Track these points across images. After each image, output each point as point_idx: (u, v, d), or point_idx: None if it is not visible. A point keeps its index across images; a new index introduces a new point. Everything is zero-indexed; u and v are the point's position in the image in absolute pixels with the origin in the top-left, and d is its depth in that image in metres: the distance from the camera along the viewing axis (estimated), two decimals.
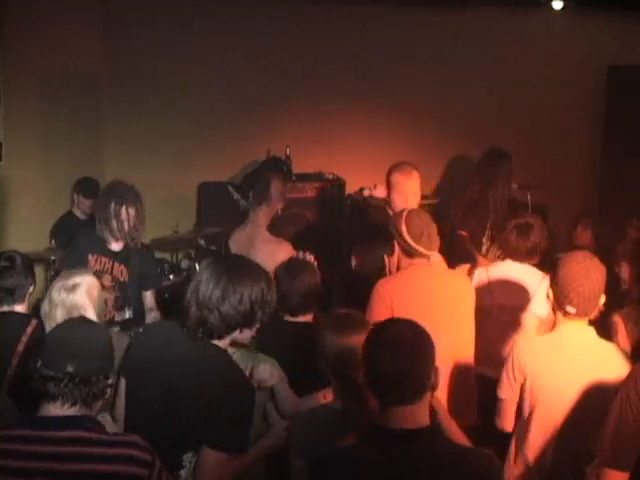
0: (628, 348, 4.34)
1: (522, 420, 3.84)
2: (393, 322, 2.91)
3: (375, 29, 8.40)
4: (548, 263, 5.25)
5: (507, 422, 3.92)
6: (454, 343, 4.33)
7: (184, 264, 7.40)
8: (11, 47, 6.85)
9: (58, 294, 4.11)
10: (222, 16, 8.28)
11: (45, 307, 4.13)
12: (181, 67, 8.32)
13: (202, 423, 3.23)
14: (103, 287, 4.79)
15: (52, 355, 2.81)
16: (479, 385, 4.55)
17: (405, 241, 4.51)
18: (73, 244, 5.67)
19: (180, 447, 3.29)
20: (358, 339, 3.27)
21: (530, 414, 3.76)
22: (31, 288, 4.46)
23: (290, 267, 4.73)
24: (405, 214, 4.58)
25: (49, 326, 3.94)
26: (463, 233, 6.41)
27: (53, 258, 6.59)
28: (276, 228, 6.24)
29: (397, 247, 4.59)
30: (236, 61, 8.35)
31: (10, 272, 4.33)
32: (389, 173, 5.65)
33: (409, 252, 4.54)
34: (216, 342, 3.43)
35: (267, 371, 3.99)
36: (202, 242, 7.41)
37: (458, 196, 6.82)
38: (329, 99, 8.46)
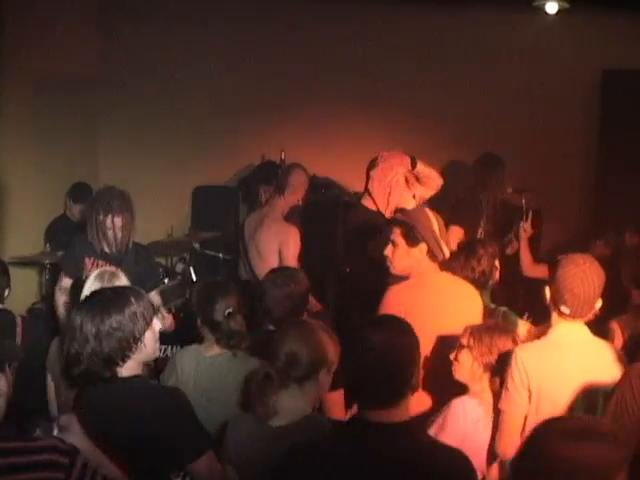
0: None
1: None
2: (368, 329, 2.83)
3: (370, 32, 8.39)
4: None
5: (506, 441, 3.73)
6: None
7: (179, 268, 7.40)
8: (7, 51, 6.85)
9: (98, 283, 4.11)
10: (216, 20, 8.28)
11: None
12: (175, 71, 8.32)
13: (168, 451, 3.24)
14: None
15: None
16: None
17: (438, 245, 4.47)
18: (70, 246, 5.65)
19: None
20: None
21: (535, 419, 3.58)
22: (7, 291, 4.53)
23: (276, 278, 4.66)
24: (433, 217, 4.52)
25: None
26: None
27: (47, 262, 6.60)
28: None
29: (416, 249, 4.49)
30: (230, 65, 8.36)
31: None
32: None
33: (433, 256, 4.49)
34: (122, 373, 3.34)
35: None
36: (197, 246, 7.42)
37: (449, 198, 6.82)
38: (323, 103, 8.45)
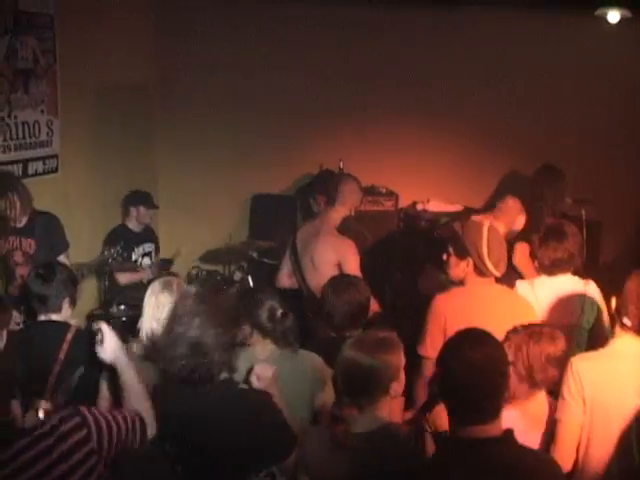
0: None
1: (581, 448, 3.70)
2: (467, 348, 2.83)
3: (427, 44, 8.35)
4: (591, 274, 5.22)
5: (563, 453, 3.65)
6: None
7: (237, 276, 7.44)
8: (67, 61, 6.93)
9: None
10: (273, 29, 8.31)
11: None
12: (233, 78, 8.36)
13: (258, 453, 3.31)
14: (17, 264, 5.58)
15: None
16: None
17: (483, 263, 4.49)
18: None
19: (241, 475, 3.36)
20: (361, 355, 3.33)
21: (589, 431, 3.66)
22: (67, 299, 4.42)
23: (335, 285, 4.67)
24: (486, 234, 4.54)
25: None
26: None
27: (108, 268, 6.68)
28: None
29: (465, 262, 4.53)
30: (288, 74, 8.37)
31: (42, 281, 4.35)
32: None
33: (481, 271, 4.52)
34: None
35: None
36: (254, 254, 7.43)
37: None
38: (384, 114, 8.42)
